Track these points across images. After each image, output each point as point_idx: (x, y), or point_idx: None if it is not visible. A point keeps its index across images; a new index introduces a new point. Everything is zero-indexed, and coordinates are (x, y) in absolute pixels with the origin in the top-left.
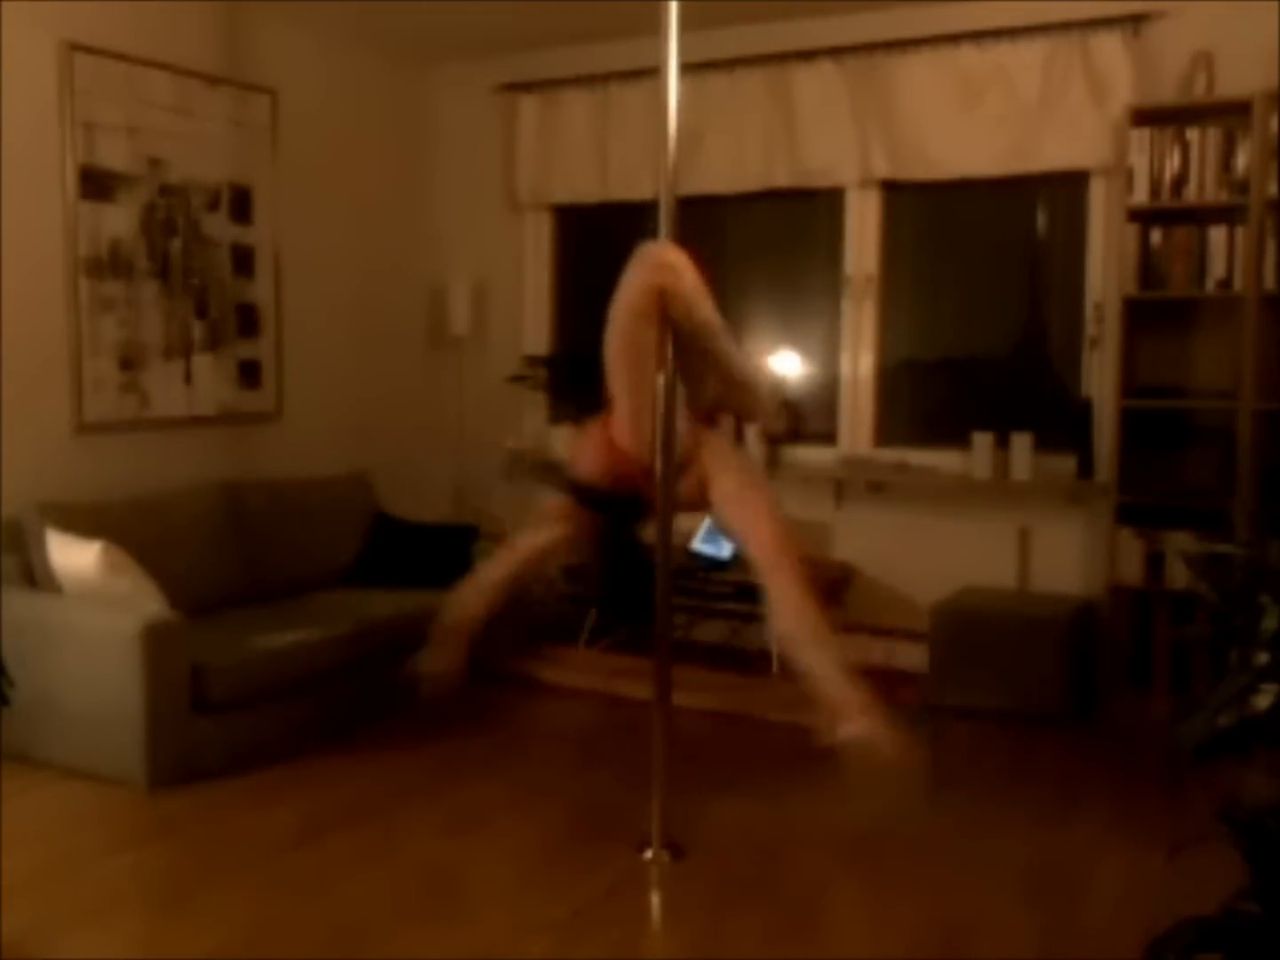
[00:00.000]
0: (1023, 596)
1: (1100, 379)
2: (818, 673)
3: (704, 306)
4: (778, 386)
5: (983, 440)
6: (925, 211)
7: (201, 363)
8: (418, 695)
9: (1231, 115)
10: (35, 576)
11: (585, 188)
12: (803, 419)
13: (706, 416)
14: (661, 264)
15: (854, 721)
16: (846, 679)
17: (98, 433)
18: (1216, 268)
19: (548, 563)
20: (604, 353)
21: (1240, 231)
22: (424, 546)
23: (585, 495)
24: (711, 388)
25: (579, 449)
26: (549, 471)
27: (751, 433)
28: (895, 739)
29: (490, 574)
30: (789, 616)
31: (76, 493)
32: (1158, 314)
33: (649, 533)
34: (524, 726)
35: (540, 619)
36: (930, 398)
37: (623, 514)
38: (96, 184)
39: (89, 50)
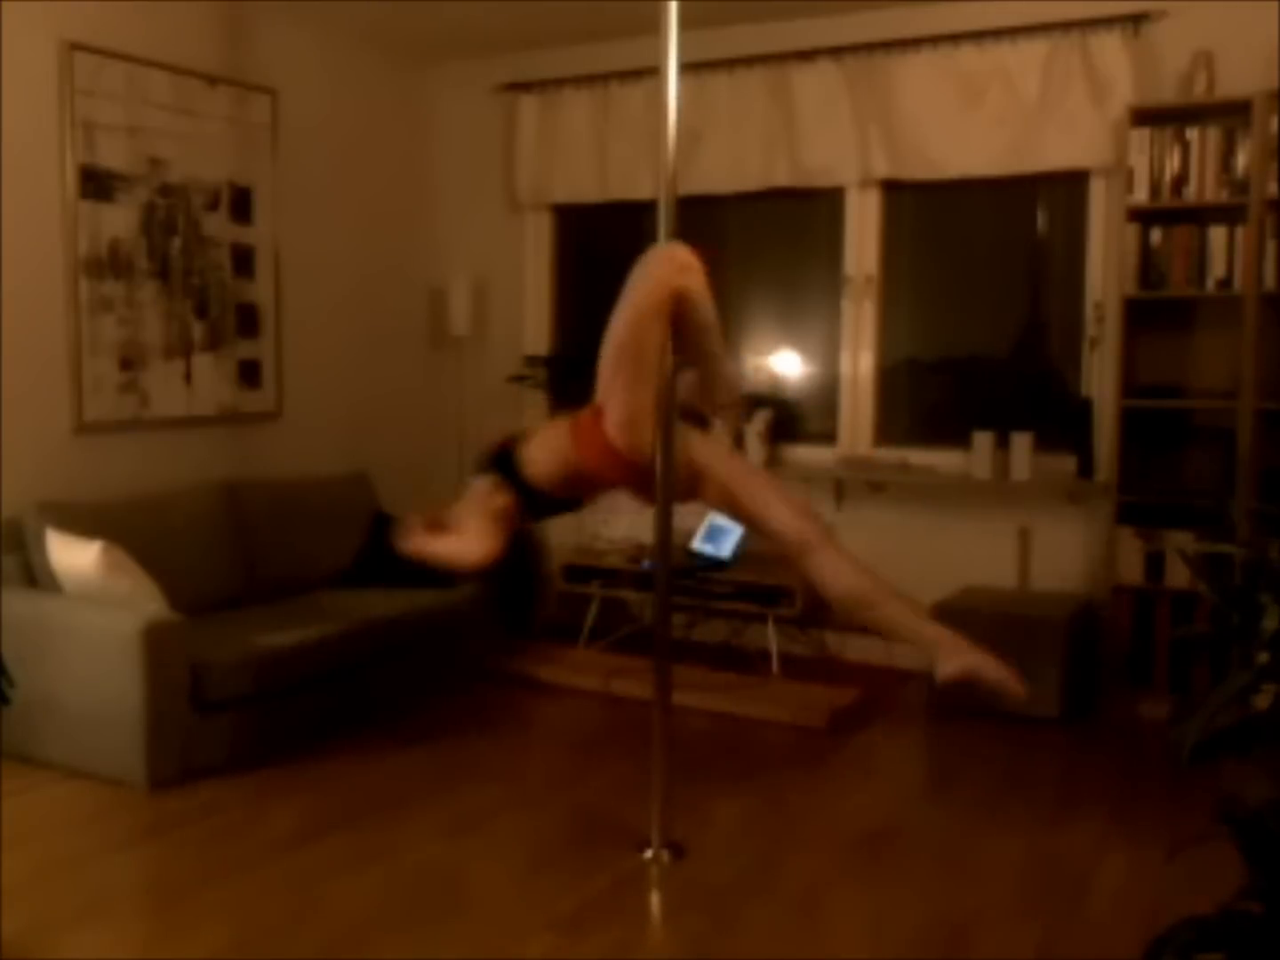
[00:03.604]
0: (1023, 596)
1: (1100, 379)
2: (900, 623)
3: (711, 309)
4: (737, 379)
5: (983, 440)
6: (925, 211)
7: (201, 363)
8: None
9: (1231, 115)
10: (35, 576)
11: (585, 187)
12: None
13: (687, 414)
14: (684, 265)
15: (955, 657)
16: (929, 622)
17: (98, 433)
18: (1216, 268)
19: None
20: (604, 349)
21: (1240, 231)
22: None
23: (532, 494)
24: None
25: (546, 444)
26: (491, 458)
27: (752, 432)
28: (999, 666)
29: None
30: (847, 583)
31: (76, 493)
32: (1158, 314)
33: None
34: (524, 726)
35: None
36: (930, 398)
37: (546, 516)
38: (96, 184)
39: (89, 50)
